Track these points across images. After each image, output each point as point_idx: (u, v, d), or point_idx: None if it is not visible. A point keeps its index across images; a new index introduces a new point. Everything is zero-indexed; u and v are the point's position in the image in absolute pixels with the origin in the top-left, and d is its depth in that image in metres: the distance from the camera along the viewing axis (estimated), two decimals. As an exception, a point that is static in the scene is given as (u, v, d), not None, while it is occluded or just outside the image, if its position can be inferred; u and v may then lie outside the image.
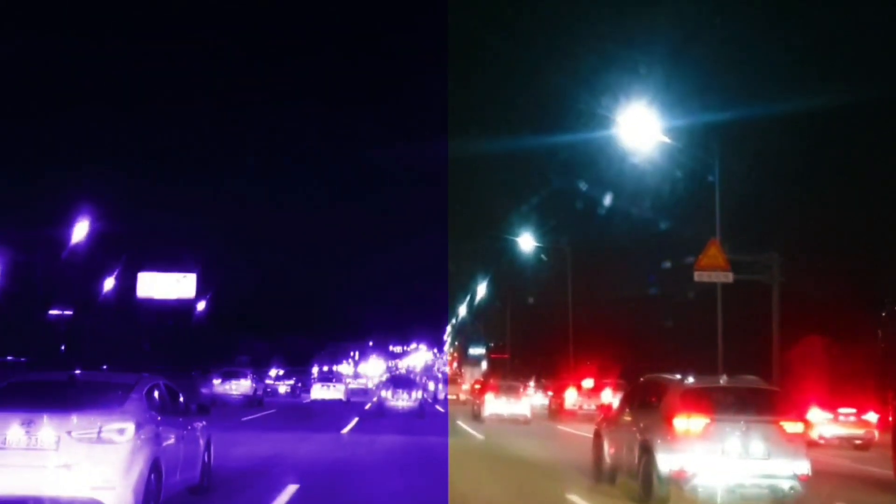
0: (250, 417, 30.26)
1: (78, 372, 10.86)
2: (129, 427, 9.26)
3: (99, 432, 9.07)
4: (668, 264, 38.77)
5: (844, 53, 32.44)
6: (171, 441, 10.40)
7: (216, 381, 40.18)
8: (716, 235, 26.50)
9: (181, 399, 11.56)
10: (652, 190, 37.22)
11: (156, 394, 10.57)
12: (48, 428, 8.96)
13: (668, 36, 34.57)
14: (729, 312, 27.38)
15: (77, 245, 51.81)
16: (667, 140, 27.16)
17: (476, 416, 34.27)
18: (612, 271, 48.53)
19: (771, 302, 27.18)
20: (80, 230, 49.27)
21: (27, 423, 8.98)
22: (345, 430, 25.78)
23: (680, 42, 34.15)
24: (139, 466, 9.25)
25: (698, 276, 25.92)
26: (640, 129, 27.19)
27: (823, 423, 24.65)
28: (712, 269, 25.72)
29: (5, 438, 8.94)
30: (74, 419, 9.07)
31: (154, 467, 9.58)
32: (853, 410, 24.92)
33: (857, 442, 24.81)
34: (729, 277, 25.95)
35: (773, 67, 33.86)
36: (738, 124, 29.75)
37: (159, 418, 10.23)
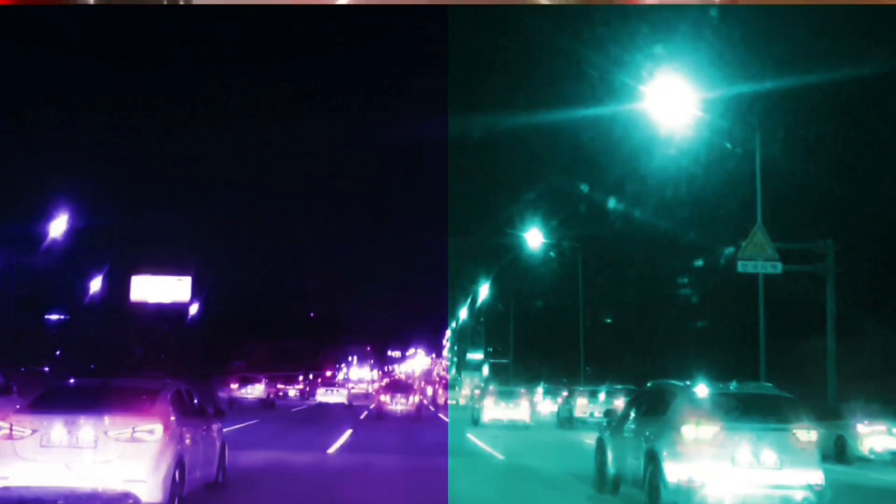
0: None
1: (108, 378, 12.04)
2: (158, 428, 10.24)
3: (133, 432, 10.09)
4: (700, 262, 35.69)
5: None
6: (193, 441, 11.34)
7: (234, 386, 43.90)
8: (757, 221, 23.99)
9: (196, 402, 12.37)
10: (673, 179, 34.22)
11: (179, 398, 11.46)
12: (87, 428, 10.06)
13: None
14: (731, 312, 25.38)
15: (67, 247, 52.21)
16: (699, 113, 24.14)
17: (476, 422, 34.55)
18: (626, 270, 46.81)
19: (773, 296, 24.90)
20: (68, 231, 49.86)
21: (69, 424, 10.02)
22: (335, 447, 21.78)
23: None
24: (166, 463, 10.24)
25: (742, 267, 23.46)
26: (662, 102, 24.08)
27: (874, 435, 21.94)
28: (757, 259, 23.33)
29: (49, 437, 10.00)
30: (110, 421, 10.10)
31: (178, 464, 10.58)
32: None
33: None
34: (777, 267, 23.55)
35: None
36: (776, 96, 26.93)
37: (182, 420, 11.12)
